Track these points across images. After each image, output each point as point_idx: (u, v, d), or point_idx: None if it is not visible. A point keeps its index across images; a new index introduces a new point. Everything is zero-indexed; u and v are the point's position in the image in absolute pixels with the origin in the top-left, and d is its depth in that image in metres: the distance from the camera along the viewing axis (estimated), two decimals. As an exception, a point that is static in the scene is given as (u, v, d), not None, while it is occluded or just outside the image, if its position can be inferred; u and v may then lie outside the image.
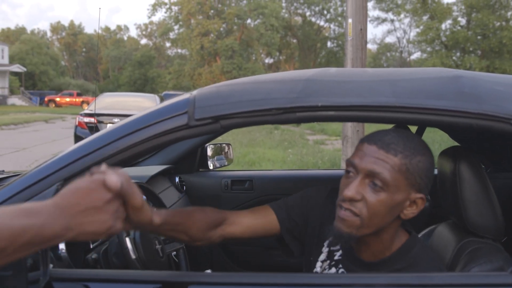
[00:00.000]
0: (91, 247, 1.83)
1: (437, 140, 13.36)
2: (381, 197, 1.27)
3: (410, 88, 1.35)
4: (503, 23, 32.71)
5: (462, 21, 35.62)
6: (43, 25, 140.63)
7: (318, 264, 1.51)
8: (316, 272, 1.51)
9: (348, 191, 1.28)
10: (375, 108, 1.31)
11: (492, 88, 1.36)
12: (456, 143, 2.81)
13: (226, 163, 3.50)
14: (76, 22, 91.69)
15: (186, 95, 1.43)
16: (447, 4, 34.14)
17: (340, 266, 1.45)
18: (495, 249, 1.47)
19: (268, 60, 56.20)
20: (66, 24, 77.53)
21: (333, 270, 1.47)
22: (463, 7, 34.88)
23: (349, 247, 1.43)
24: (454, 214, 1.59)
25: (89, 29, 79.93)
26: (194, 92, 1.42)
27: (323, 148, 13.97)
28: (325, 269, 1.49)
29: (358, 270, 1.40)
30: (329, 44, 54.83)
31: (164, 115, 1.37)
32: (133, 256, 1.65)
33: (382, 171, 1.25)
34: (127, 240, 1.66)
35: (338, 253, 1.49)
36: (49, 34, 77.62)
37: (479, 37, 33.84)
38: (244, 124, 1.35)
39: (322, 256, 1.52)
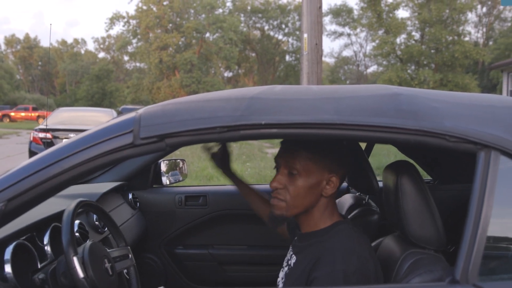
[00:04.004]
0: (39, 267, 1.80)
1: (393, 152, 13.60)
2: (298, 182, 1.58)
3: (351, 105, 1.39)
4: (455, 37, 33.61)
5: (416, 35, 36.43)
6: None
7: (285, 259, 1.77)
8: (282, 268, 1.73)
9: (272, 182, 1.61)
10: (317, 126, 1.35)
11: (430, 105, 1.42)
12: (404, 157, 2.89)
13: (180, 179, 3.50)
14: (33, 35, 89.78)
15: (131, 114, 1.44)
16: (402, 19, 34.86)
17: (291, 248, 1.74)
18: (436, 259, 1.51)
19: (227, 74, 56.17)
20: (22, 37, 76.02)
21: (289, 253, 1.73)
22: (417, 22, 35.71)
23: (298, 229, 1.72)
24: (398, 226, 1.63)
25: (45, 42, 78.22)
26: (140, 111, 1.43)
27: (281, 161, 13.98)
28: (287, 258, 1.74)
29: (298, 242, 1.69)
30: (287, 57, 55.22)
31: (110, 134, 1.38)
32: (81, 275, 1.63)
33: (294, 162, 1.57)
34: (75, 259, 1.64)
35: (296, 239, 1.75)
36: (3, 47, 75.80)
37: (432, 51, 34.65)
38: (190, 142, 1.36)
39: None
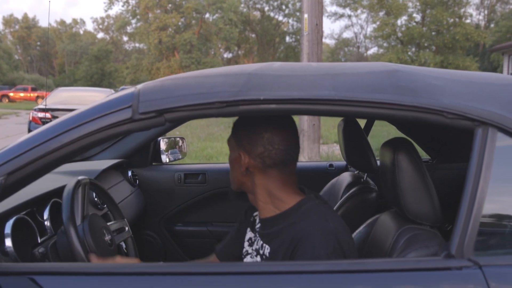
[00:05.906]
0: (39, 241, 1.82)
1: (393, 133, 13.60)
2: (230, 157, 1.69)
3: (349, 82, 1.39)
4: (456, 19, 33.42)
5: (417, 17, 36.26)
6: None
7: (246, 244, 1.76)
8: (246, 251, 1.73)
9: None
10: (315, 101, 1.35)
11: (429, 82, 1.42)
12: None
13: (180, 157, 3.51)
14: (31, 15, 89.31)
15: (131, 89, 1.44)
16: (403, 0, 34.66)
17: (257, 235, 1.69)
18: (432, 235, 1.53)
19: (227, 55, 55.89)
20: (20, 17, 75.52)
21: (257, 242, 1.68)
22: (418, 3, 35.49)
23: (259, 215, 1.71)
24: (394, 203, 1.65)
25: (44, 22, 77.64)
26: (139, 86, 1.43)
27: (280, 142, 13.98)
28: (252, 242, 1.72)
29: (264, 229, 1.65)
30: (287, 38, 54.90)
31: (109, 109, 1.38)
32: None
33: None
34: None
35: (257, 226, 1.72)
36: (1, 27, 75.24)
37: (433, 33, 34.50)
38: (189, 117, 1.37)
39: (248, 236, 1.77)
